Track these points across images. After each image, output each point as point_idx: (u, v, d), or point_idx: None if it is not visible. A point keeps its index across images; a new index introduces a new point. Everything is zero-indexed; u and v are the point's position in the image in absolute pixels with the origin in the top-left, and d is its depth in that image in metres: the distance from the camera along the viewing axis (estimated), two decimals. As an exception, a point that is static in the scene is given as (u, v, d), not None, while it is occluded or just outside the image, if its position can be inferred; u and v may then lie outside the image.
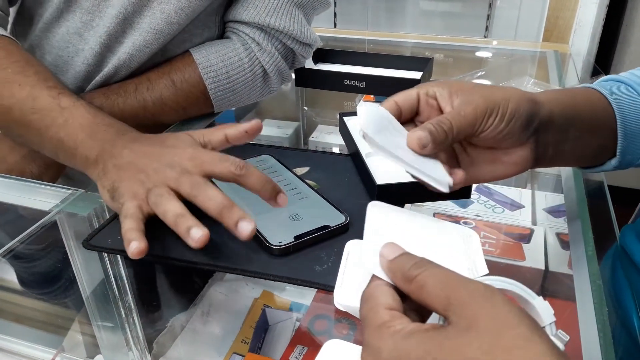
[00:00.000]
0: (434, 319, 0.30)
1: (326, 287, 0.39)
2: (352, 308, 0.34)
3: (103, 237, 0.46)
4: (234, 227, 0.41)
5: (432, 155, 0.39)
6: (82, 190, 0.52)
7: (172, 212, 0.43)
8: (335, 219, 0.46)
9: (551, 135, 0.41)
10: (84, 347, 0.65)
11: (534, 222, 0.74)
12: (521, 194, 0.81)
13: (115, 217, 0.49)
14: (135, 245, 0.41)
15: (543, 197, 0.81)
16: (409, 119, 0.42)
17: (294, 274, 0.41)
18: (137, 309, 0.55)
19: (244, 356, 0.58)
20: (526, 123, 0.40)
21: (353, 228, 0.45)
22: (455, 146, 0.42)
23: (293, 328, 0.61)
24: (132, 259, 0.42)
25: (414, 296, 0.28)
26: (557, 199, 0.79)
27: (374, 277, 0.31)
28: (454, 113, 0.39)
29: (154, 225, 0.45)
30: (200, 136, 0.50)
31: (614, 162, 0.46)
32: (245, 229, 0.41)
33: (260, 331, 0.60)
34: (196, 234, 0.41)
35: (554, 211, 0.77)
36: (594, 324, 0.38)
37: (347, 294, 0.35)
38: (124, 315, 0.54)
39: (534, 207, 0.78)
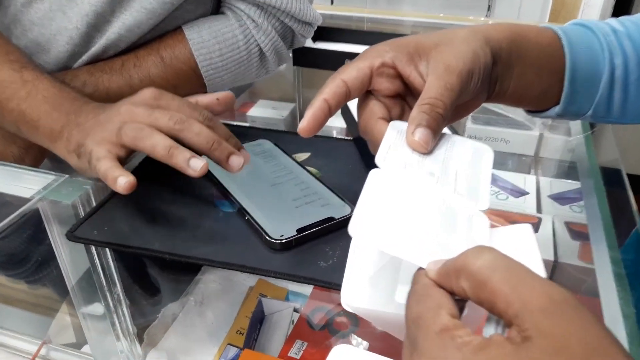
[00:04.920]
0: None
1: (332, 286, 0.36)
2: (361, 310, 0.31)
3: (89, 227, 0.43)
4: (225, 162, 0.41)
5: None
6: (67, 176, 0.49)
7: (162, 144, 0.41)
8: (340, 210, 0.43)
9: (497, 71, 0.39)
10: (74, 333, 0.62)
11: (539, 210, 0.72)
12: (525, 180, 0.78)
13: (102, 205, 0.46)
14: (124, 180, 0.39)
15: (548, 183, 0.78)
16: (357, 96, 0.38)
17: (296, 270, 0.38)
18: (126, 299, 0.53)
19: (239, 348, 0.55)
20: (491, 71, 0.37)
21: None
22: (402, 104, 0.39)
23: (290, 318, 0.58)
24: (124, 193, 0.40)
25: (471, 291, 0.23)
26: (563, 186, 0.77)
27: (420, 273, 0.27)
28: (440, 87, 0.35)
29: (142, 217, 0.42)
30: None
31: (557, 109, 0.43)
32: (236, 163, 0.41)
33: (256, 322, 0.58)
34: (197, 164, 0.40)
35: (559, 198, 0.75)
36: (620, 319, 0.35)
37: (356, 294, 0.32)
38: (112, 306, 0.52)
39: (539, 193, 0.75)
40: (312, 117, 0.36)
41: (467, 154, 0.37)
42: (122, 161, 0.44)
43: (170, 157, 0.40)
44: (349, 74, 0.37)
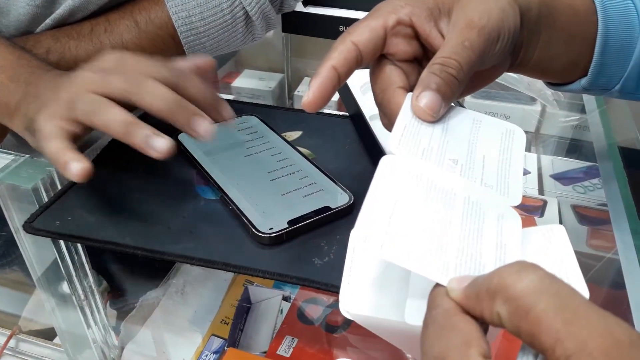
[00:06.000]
0: None
1: (329, 288, 0.32)
2: (363, 317, 0.27)
3: (50, 217, 0.39)
4: (189, 127, 0.36)
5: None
6: (27, 156, 0.44)
7: (118, 120, 0.35)
8: (337, 198, 0.39)
9: (523, 36, 0.34)
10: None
11: (541, 191, 0.69)
12: (526, 158, 0.75)
13: (65, 191, 0.41)
14: (77, 165, 0.34)
15: (549, 161, 0.75)
16: (370, 62, 0.33)
17: (287, 269, 0.34)
18: (99, 290, 0.49)
19: (224, 339, 0.52)
20: (518, 33, 0.33)
21: (359, 210, 0.38)
22: (420, 70, 0.34)
23: (279, 307, 0.55)
24: (78, 182, 0.34)
25: (509, 318, 0.19)
26: (565, 165, 0.74)
27: (440, 293, 0.22)
28: (456, 45, 0.30)
29: (112, 206, 0.38)
30: None
31: (583, 82, 0.39)
32: (203, 128, 0.36)
33: (242, 311, 0.55)
34: (160, 144, 0.34)
35: (561, 178, 0.71)
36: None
37: (357, 299, 0.28)
38: (83, 298, 0.48)
39: (540, 173, 0.72)
40: (318, 89, 0.31)
41: (496, 136, 0.32)
42: (78, 140, 0.38)
43: (127, 136, 0.35)
44: (361, 34, 0.32)
